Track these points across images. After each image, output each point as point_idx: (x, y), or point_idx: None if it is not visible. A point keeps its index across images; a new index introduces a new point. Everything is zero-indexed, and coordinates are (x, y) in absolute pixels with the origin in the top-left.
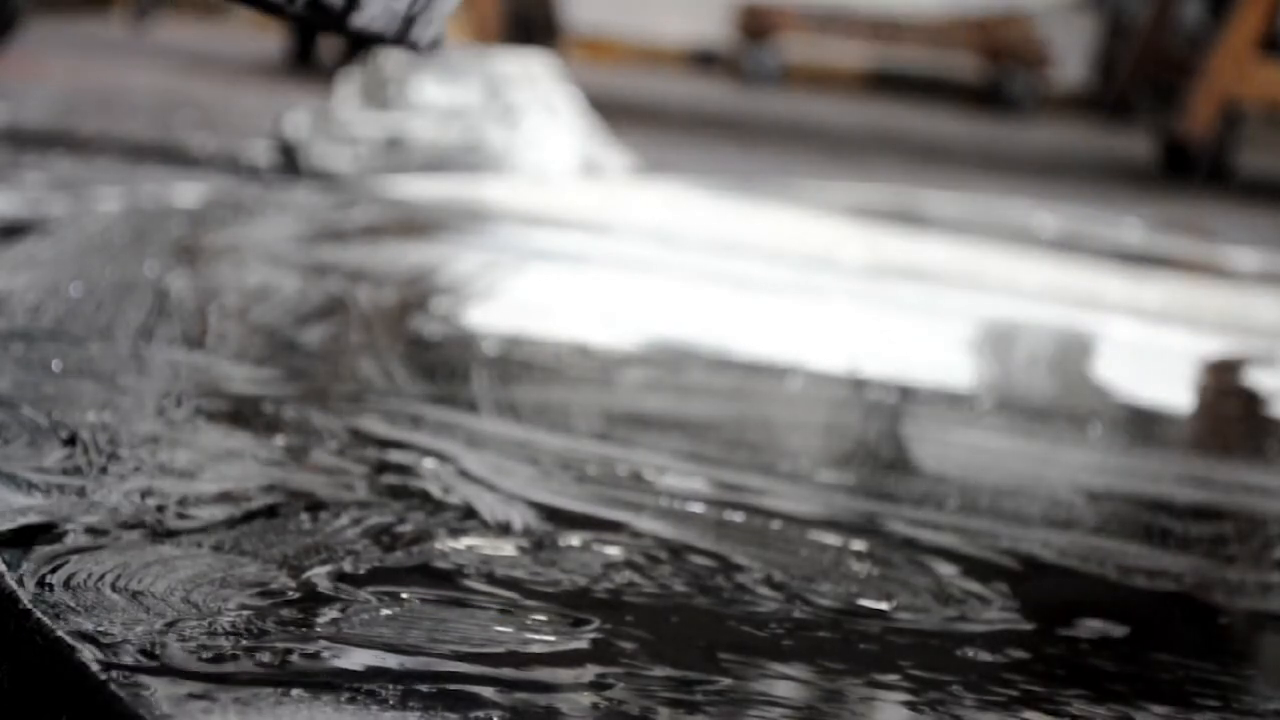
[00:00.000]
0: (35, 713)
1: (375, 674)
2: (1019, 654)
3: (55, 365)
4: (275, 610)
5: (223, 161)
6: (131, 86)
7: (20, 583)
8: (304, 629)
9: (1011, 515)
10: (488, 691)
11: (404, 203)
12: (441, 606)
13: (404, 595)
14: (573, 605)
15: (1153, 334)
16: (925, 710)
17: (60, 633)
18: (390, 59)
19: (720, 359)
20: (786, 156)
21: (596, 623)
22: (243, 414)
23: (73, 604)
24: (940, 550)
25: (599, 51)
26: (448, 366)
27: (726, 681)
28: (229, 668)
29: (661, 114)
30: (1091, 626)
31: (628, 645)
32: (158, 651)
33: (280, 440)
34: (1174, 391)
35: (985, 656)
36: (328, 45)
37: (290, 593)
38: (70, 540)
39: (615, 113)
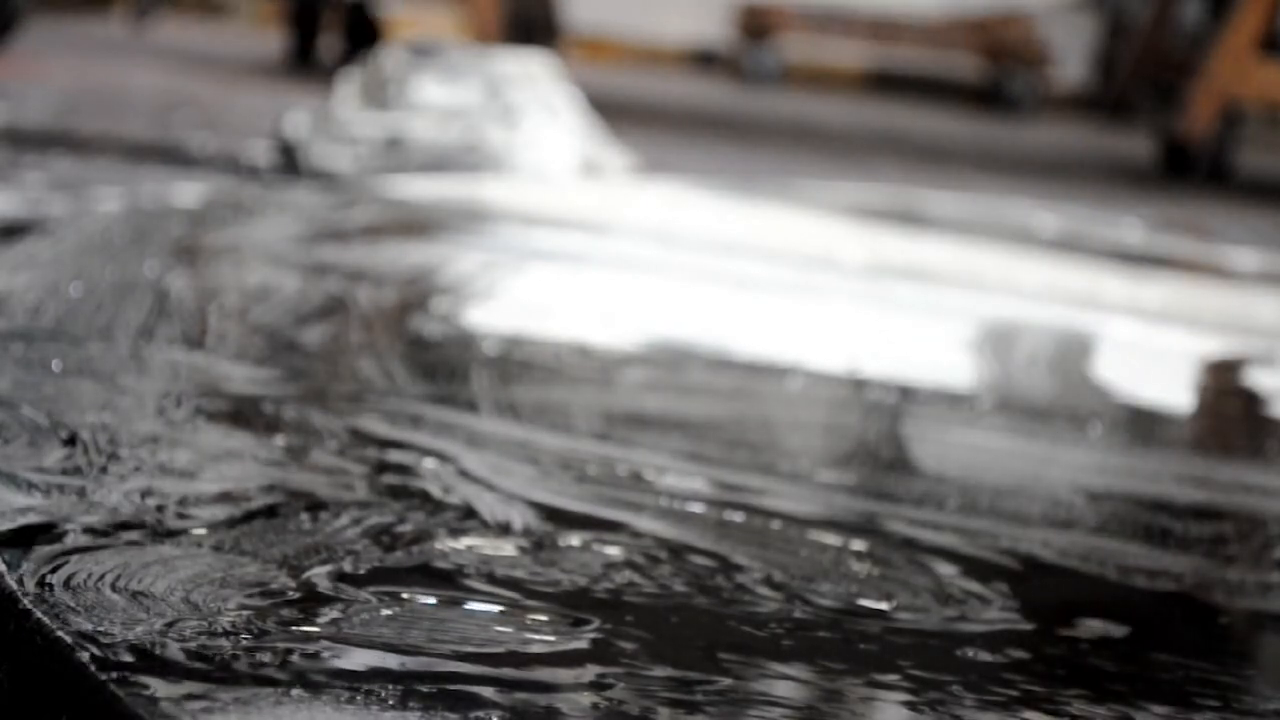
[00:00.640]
0: (35, 713)
1: (375, 674)
2: (1019, 654)
3: (55, 365)
4: (275, 610)
5: (223, 161)
6: (131, 86)
7: (20, 583)
8: (304, 629)
9: (1011, 515)
10: (488, 691)
11: (404, 203)
12: (441, 606)
13: (404, 595)
14: (573, 605)
15: (1153, 334)
16: (925, 710)
17: (60, 633)
18: (390, 59)
19: (720, 359)
20: (786, 156)
21: (596, 623)
22: (243, 414)
23: (73, 604)
24: (940, 550)
25: (599, 51)
26: (448, 366)
27: (726, 681)
28: (229, 668)
29: (661, 114)
30: (1091, 626)
31: (628, 645)
32: (158, 651)
33: (280, 440)
34: (1174, 391)
35: (985, 656)
36: (328, 45)
37: (290, 593)
38: (70, 540)
39: (615, 113)
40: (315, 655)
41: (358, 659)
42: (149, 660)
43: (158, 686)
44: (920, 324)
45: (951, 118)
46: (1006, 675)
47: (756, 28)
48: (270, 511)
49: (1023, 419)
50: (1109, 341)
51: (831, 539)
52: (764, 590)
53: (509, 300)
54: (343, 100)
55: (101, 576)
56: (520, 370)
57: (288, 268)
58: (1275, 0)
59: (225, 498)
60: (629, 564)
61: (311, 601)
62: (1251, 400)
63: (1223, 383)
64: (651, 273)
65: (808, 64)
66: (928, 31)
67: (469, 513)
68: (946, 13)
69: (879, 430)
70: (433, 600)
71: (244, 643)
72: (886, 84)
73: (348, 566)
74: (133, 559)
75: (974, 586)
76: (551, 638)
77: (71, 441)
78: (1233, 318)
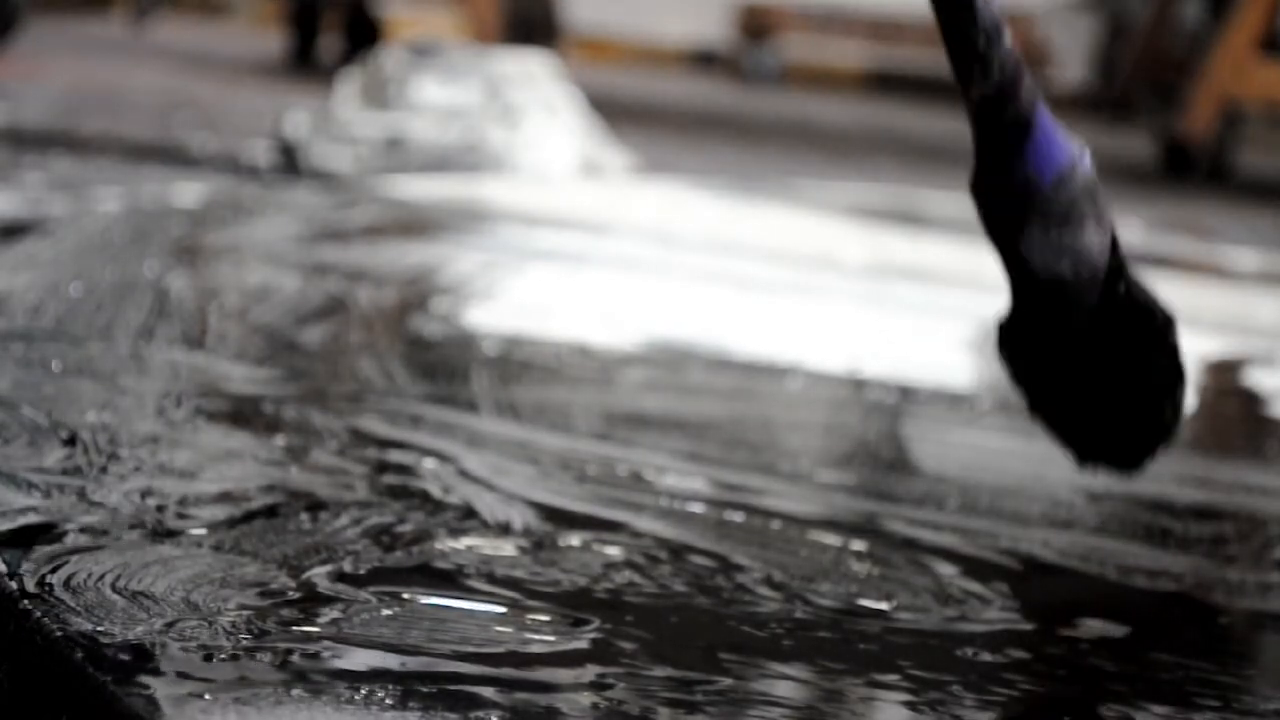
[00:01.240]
0: (35, 713)
1: (375, 674)
2: (1019, 654)
3: (55, 365)
4: (275, 610)
5: (223, 161)
6: (131, 86)
7: (20, 583)
8: (304, 629)
9: (1011, 515)
10: (488, 691)
11: (404, 203)
12: (441, 606)
13: (404, 595)
14: (573, 605)
15: None
16: (925, 710)
17: (60, 633)
18: (390, 59)
19: (720, 359)
20: (786, 156)
21: (596, 623)
22: (243, 414)
23: (73, 604)
24: (940, 550)
25: (599, 51)
26: (448, 366)
27: (726, 681)
28: (229, 668)
29: (661, 114)
30: (1091, 626)
31: (628, 645)
32: (158, 651)
33: (280, 440)
34: None
35: (985, 656)
36: (328, 45)
37: (290, 593)
38: (70, 540)
39: (615, 113)
40: (315, 655)
41: (358, 659)
42: (149, 660)
43: (158, 686)
44: (920, 324)
45: (951, 118)
46: (1006, 675)
47: (756, 28)
48: (270, 511)
49: (1023, 419)
50: None
51: (831, 539)
52: (764, 590)
53: (509, 300)
54: (343, 100)
55: (101, 576)
56: (520, 370)
57: (288, 268)
58: (1275, 0)
59: (225, 498)
60: (629, 564)
61: (311, 601)
62: (1251, 400)
63: (1222, 383)
64: (651, 273)
65: (808, 64)
66: (928, 31)
67: (469, 513)
68: None
69: (879, 430)
70: (433, 600)
71: (244, 643)
72: (886, 84)
73: (348, 566)
74: (133, 559)
75: (974, 586)
76: (551, 638)
77: (71, 441)
78: (1233, 318)
